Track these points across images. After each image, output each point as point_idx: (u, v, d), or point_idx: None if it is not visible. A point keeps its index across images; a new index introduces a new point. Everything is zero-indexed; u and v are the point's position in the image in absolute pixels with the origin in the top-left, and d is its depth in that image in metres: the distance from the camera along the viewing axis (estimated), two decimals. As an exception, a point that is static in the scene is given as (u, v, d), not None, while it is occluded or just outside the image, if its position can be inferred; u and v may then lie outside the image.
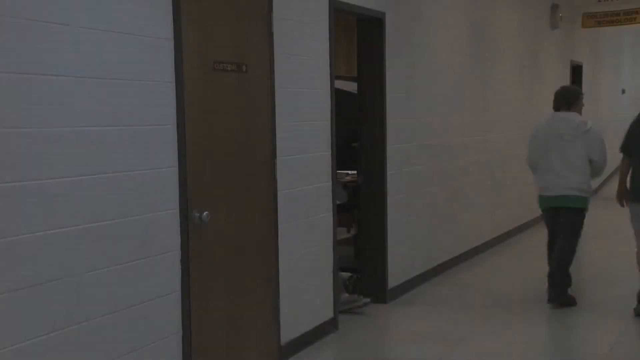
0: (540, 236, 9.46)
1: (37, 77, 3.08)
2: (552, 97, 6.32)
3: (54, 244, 3.17)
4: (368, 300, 5.86)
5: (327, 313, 5.37)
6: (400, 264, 6.42)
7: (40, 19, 3.09)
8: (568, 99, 6.22)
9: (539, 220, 10.26)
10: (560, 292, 6.02)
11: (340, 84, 6.20)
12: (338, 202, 5.53)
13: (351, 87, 6.82)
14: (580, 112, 6.25)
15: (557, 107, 6.25)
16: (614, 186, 6.97)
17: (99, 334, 3.41)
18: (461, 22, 7.69)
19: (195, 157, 3.96)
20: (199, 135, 4.00)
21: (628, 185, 5.95)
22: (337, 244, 5.50)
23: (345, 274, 6.12)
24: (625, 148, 5.95)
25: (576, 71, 12.18)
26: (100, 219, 3.40)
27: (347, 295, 5.85)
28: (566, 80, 11.70)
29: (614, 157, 12.56)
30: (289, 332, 4.89)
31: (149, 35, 3.65)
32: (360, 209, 6.33)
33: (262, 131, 4.56)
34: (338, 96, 5.48)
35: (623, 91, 16.38)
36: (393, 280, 6.28)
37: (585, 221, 6.31)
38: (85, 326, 3.33)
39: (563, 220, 6.13)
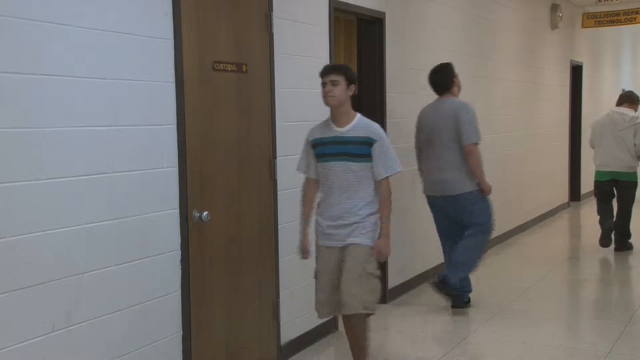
0: (539, 236, 9.48)
1: (37, 77, 3.09)
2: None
3: (54, 244, 3.17)
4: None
5: (327, 313, 5.37)
6: (399, 264, 6.42)
7: (40, 19, 3.09)
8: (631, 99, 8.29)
9: (538, 221, 10.31)
10: (622, 241, 8.22)
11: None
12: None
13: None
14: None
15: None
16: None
17: (99, 334, 3.41)
18: (461, 22, 7.69)
19: (195, 157, 3.96)
20: (199, 135, 4.00)
21: None
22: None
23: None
24: None
25: (576, 71, 12.18)
26: (100, 219, 3.40)
27: None
28: (566, 81, 11.72)
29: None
30: (289, 332, 4.89)
31: (149, 35, 3.66)
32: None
33: (262, 131, 4.57)
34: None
35: (623, 91, 16.37)
36: (393, 280, 6.29)
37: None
38: (85, 326, 3.33)
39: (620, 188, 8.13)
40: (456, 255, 5.83)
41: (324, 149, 4.24)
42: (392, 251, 6.22)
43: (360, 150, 4.16)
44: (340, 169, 4.18)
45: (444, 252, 6.14)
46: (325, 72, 4.17)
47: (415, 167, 6.24)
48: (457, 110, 5.72)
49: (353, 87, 4.19)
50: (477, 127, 5.73)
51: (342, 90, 4.13)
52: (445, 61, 6.14)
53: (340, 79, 4.12)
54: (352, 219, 4.19)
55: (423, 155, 6.01)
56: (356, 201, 4.19)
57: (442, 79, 5.93)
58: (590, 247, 8.79)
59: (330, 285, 4.25)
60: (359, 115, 4.28)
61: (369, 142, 4.16)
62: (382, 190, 4.23)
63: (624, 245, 8.26)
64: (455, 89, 5.97)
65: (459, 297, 5.96)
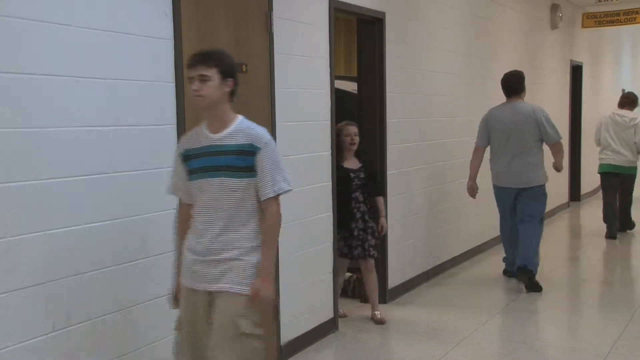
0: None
1: (37, 77, 3.09)
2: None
3: (54, 244, 3.17)
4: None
5: (327, 313, 5.37)
6: (400, 264, 6.42)
7: (40, 19, 3.09)
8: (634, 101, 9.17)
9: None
10: (624, 222, 9.28)
11: (340, 84, 6.20)
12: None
13: (351, 87, 6.83)
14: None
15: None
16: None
17: (99, 334, 3.41)
18: (461, 22, 7.69)
19: (195, 157, 3.95)
20: (199, 135, 3.99)
21: None
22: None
23: (346, 274, 6.12)
24: None
25: (576, 71, 12.18)
26: (101, 219, 3.40)
27: None
28: (566, 81, 11.71)
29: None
30: (289, 332, 4.89)
31: (149, 35, 3.66)
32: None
33: (262, 131, 4.55)
34: (338, 96, 5.48)
35: (623, 91, 16.37)
36: (393, 280, 6.29)
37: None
38: (85, 326, 3.33)
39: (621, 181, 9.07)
40: (526, 244, 6.57)
41: (193, 163, 3.22)
42: (392, 251, 6.25)
43: (239, 161, 3.16)
44: (214, 188, 3.16)
45: (502, 236, 7.08)
46: (191, 64, 3.17)
47: (415, 167, 6.23)
48: (536, 113, 6.59)
49: (230, 81, 3.23)
50: (556, 126, 6.67)
51: (215, 87, 3.15)
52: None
53: (212, 73, 3.13)
54: (227, 254, 3.16)
55: (496, 150, 6.74)
56: (234, 230, 3.17)
57: (518, 83, 6.79)
58: (591, 247, 8.79)
59: (191, 345, 3.24)
60: (240, 117, 3.31)
61: (250, 151, 3.18)
62: (268, 214, 3.20)
63: (627, 225, 9.41)
64: (523, 93, 6.82)
65: (533, 279, 6.58)
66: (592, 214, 11.35)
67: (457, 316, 5.87)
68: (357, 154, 5.60)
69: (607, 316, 5.91)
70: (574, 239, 10.06)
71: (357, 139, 5.53)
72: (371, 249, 5.53)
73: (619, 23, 12.01)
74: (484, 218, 8.39)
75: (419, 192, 6.26)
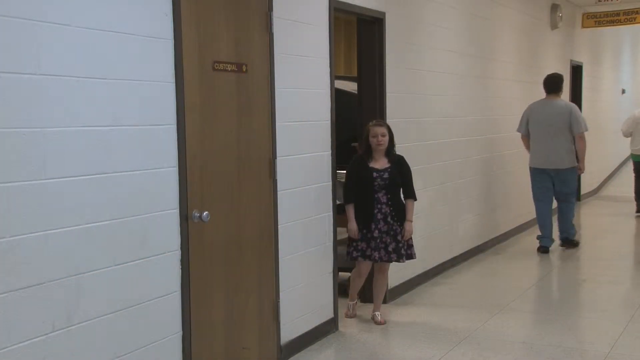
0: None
1: (37, 77, 3.08)
2: None
3: (54, 244, 3.17)
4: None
5: (327, 313, 5.38)
6: (400, 264, 6.41)
7: (40, 19, 3.09)
8: None
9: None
10: None
11: (340, 84, 6.20)
12: (338, 202, 5.53)
13: (351, 87, 6.83)
14: None
15: None
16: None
17: (99, 334, 3.41)
18: (461, 22, 7.69)
19: (195, 157, 3.96)
20: (199, 135, 4.00)
21: None
22: (337, 244, 5.50)
23: (345, 274, 6.13)
24: None
25: (576, 71, 12.18)
26: (100, 219, 3.40)
27: None
28: (566, 81, 11.70)
29: (615, 157, 12.67)
30: (289, 332, 4.89)
31: (149, 35, 3.66)
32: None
33: (262, 131, 4.57)
34: (338, 96, 5.48)
35: (623, 91, 16.39)
36: (393, 280, 6.29)
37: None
38: (85, 326, 3.33)
39: None
40: (564, 218, 8.41)
41: None
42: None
43: None
44: None
45: (538, 212, 8.43)
46: None
47: (414, 167, 6.23)
48: (571, 108, 8.16)
49: None
50: (584, 120, 8.20)
51: None
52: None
53: None
54: None
55: (535, 138, 8.23)
56: None
57: (557, 84, 8.25)
58: (591, 247, 8.79)
59: None
60: None
61: None
62: None
63: None
64: (561, 92, 8.32)
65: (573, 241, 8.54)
66: (593, 214, 11.36)
67: (457, 316, 5.88)
68: (388, 154, 5.53)
69: (607, 316, 5.91)
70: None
71: (384, 139, 5.43)
72: (392, 252, 5.48)
73: (619, 23, 12.01)
74: (484, 218, 8.40)
75: (418, 192, 6.24)
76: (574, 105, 8.36)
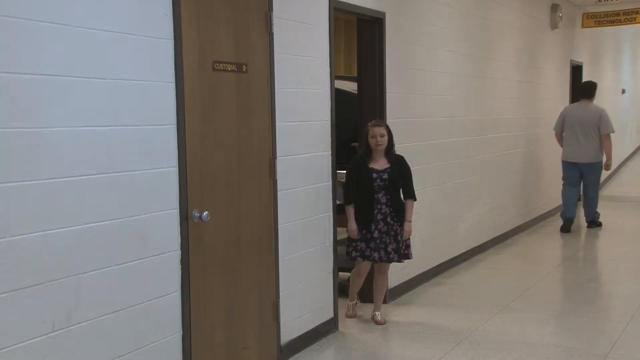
0: (539, 236, 9.47)
1: (37, 77, 3.09)
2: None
3: (54, 244, 3.17)
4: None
5: (327, 313, 5.38)
6: (400, 264, 6.41)
7: (40, 19, 3.09)
8: None
9: (538, 221, 10.31)
10: None
11: (340, 84, 6.20)
12: (338, 202, 5.53)
13: (351, 87, 6.83)
14: None
15: None
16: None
17: (99, 334, 3.41)
18: (461, 22, 7.69)
19: (195, 156, 3.96)
20: (199, 135, 4.00)
21: None
22: (337, 244, 5.50)
23: (345, 274, 6.13)
24: None
25: (576, 71, 12.18)
26: (100, 219, 3.40)
27: None
28: (566, 81, 11.71)
29: (615, 157, 12.60)
30: (289, 332, 4.89)
31: (149, 35, 3.66)
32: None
33: (262, 131, 4.57)
34: (338, 96, 5.48)
35: (623, 91, 16.39)
36: (393, 280, 6.29)
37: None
38: (85, 326, 3.33)
39: None
40: (589, 204, 9.79)
41: None
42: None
43: None
44: None
45: (565, 195, 9.74)
46: None
47: (414, 167, 6.23)
48: (600, 112, 9.47)
49: None
50: (611, 124, 9.50)
51: None
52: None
53: None
54: None
55: (568, 136, 9.55)
56: None
57: (591, 90, 9.61)
58: (591, 247, 8.79)
59: None
60: None
61: None
62: None
63: None
64: (593, 97, 9.62)
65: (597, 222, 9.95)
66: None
67: (457, 316, 5.88)
68: (388, 154, 5.53)
69: (607, 316, 5.91)
70: (574, 239, 10.05)
71: (383, 139, 5.43)
72: (392, 253, 5.48)
73: (619, 23, 12.01)
74: (484, 218, 8.40)
75: (418, 192, 6.24)
76: (603, 109, 9.62)
